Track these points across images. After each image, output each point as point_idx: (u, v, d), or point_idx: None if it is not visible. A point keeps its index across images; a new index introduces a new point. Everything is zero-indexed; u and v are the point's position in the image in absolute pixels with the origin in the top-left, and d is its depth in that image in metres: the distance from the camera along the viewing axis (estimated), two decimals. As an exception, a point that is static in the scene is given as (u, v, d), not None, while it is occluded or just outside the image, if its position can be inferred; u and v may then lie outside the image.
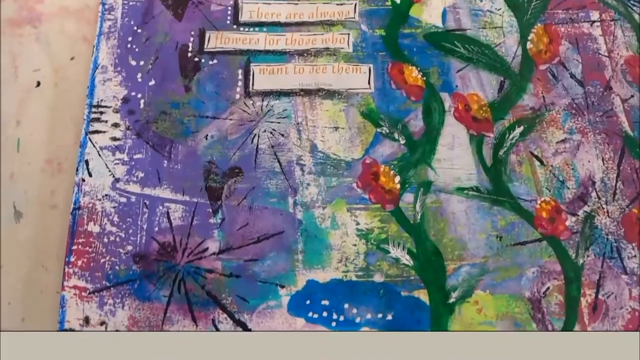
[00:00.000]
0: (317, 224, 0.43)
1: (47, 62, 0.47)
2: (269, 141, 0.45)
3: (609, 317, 0.41)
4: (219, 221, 0.43)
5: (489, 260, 0.42)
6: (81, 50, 0.47)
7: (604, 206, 0.43)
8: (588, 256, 0.42)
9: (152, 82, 0.46)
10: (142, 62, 0.46)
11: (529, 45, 0.47)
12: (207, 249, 0.42)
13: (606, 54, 0.47)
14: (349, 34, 0.47)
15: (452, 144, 0.45)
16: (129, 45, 0.46)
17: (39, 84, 0.47)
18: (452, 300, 0.41)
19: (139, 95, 0.45)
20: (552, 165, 0.44)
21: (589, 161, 0.44)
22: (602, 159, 0.44)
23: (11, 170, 0.45)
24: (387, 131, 0.45)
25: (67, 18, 0.48)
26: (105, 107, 0.45)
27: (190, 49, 0.46)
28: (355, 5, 0.48)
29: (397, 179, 0.44)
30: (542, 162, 0.44)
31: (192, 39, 0.47)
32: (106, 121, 0.45)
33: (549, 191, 0.44)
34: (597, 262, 0.42)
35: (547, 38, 0.47)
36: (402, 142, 0.45)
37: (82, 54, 0.47)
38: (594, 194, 0.43)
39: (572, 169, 0.44)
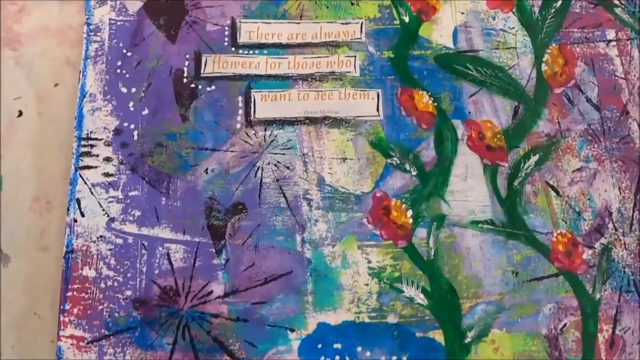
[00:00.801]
0: (327, 263, 0.43)
1: (29, 89, 0.45)
2: (273, 174, 0.44)
3: (626, 352, 0.42)
4: (223, 262, 0.42)
5: (505, 297, 0.42)
6: (65, 75, 0.46)
7: (621, 238, 0.44)
8: (605, 290, 0.43)
9: (145, 112, 0.44)
10: (133, 89, 0.45)
11: (543, 67, 0.47)
12: (211, 292, 0.42)
13: (623, 76, 0.47)
14: (355, 57, 0.46)
15: (465, 174, 0.45)
16: (118, 71, 0.45)
17: (21, 113, 0.45)
18: (468, 340, 0.42)
19: (132, 126, 0.44)
20: (568, 196, 0.45)
21: (605, 190, 0.45)
22: (619, 188, 0.45)
23: (-5, 209, 0.43)
24: (398, 162, 0.45)
25: (49, 39, 0.46)
26: (96, 139, 0.44)
27: (185, 74, 0.45)
28: (362, 24, 0.47)
29: (409, 213, 0.44)
30: (558, 193, 0.45)
31: (187, 63, 0.45)
32: (97, 155, 0.43)
33: (565, 223, 0.44)
34: (614, 296, 0.43)
35: (562, 59, 0.47)
36: (414, 173, 0.45)
37: (67, 80, 0.46)
38: (610, 225, 0.44)
39: (589, 199, 0.45)
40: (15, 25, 0.47)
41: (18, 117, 0.45)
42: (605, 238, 0.44)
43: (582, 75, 0.48)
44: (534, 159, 0.46)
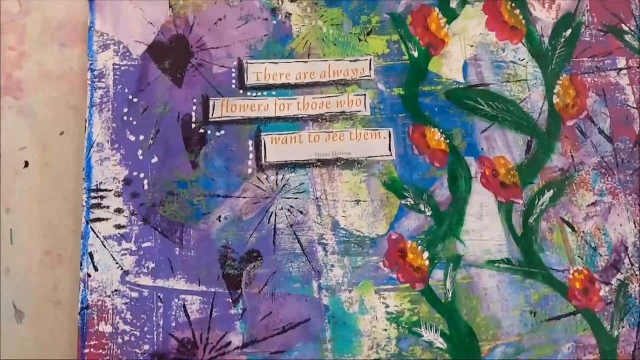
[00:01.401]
0: (345, 309, 0.43)
1: (34, 138, 0.45)
2: (287, 220, 0.44)
3: (644, 388, 0.43)
4: (241, 312, 0.42)
5: (524, 338, 0.43)
6: (71, 122, 0.45)
7: (637, 273, 0.44)
8: (623, 327, 0.43)
9: (155, 160, 0.44)
10: (142, 137, 0.44)
11: (555, 99, 0.47)
12: (230, 343, 0.42)
13: (635, 105, 0.47)
14: (365, 95, 0.46)
15: (480, 213, 0.45)
16: (125, 118, 0.44)
17: (27, 164, 0.45)
18: (488, 382, 0.42)
19: (142, 175, 0.44)
20: (583, 232, 0.45)
21: (620, 225, 0.45)
22: (634, 222, 0.45)
23: (7, 265, 0.43)
24: (413, 203, 0.45)
25: (51, 85, 0.46)
26: (106, 190, 0.43)
27: (194, 119, 0.45)
28: (371, 61, 0.47)
29: (426, 255, 0.44)
30: (573, 229, 0.45)
31: (195, 108, 0.45)
32: (108, 207, 0.43)
33: (582, 260, 0.44)
34: (632, 333, 0.43)
35: (573, 91, 0.47)
36: (429, 214, 0.44)
37: (73, 127, 0.45)
38: (627, 260, 0.44)
39: (604, 234, 0.45)
40: (15, 72, 0.46)
41: (24, 168, 0.45)
42: (621, 274, 0.45)
43: (594, 106, 0.48)
44: (548, 195, 0.46)
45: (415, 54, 0.47)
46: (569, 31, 0.48)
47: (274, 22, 0.47)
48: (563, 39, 0.48)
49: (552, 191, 0.46)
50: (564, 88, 0.48)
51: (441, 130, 0.46)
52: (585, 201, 0.46)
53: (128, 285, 0.42)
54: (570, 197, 0.46)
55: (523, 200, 0.45)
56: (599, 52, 0.49)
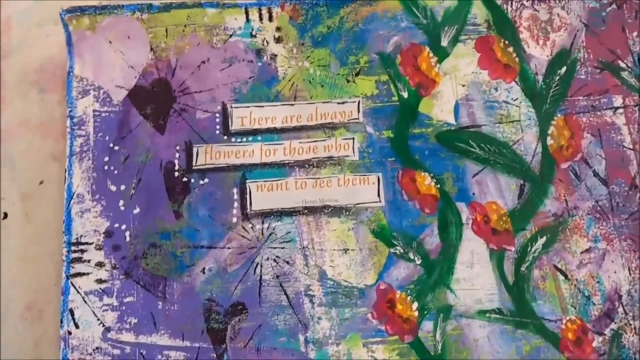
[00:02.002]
0: (332, 363, 0.42)
1: (13, 188, 0.44)
2: (273, 270, 0.43)
3: None
4: (226, 367, 0.42)
5: (515, 391, 0.42)
6: (51, 172, 0.44)
7: (631, 322, 0.43)
8: (616, 378, 0.43)
9: (136, 210, 0.43)
10: (123, 187, 0.43)
11: (549, 140, 0.46)
12: (214, 399, 0.41)
13: (630, 146, 0.46)
14: (353, 139, 0.45)
15: (471, 261, 0.44)
16: (106, 167, 0.43)
17: (5, 215, 0.44)
18: None
19: (124, 227, 0.43)
20: (576, 279, 0.44)
21: (615, 272, 0.44)
22: (629, 269, 0.44)
23: (-15, 320, 0.42)
24: (402, 251, 0.44)
25: (31, 134, 0.45)
26: (86, 243, 0.42)
27: (176, 167, 0.44)
28: (359, 103, 0.45)
29: (415, 305, 0.43)
30: (566, 277, 0.44)
31: (178, 155, 0.44)
32: (89, 260, 0.42)
33: (575, 309, 0.43)
34: (625, 384, 0.43)
35: (568, 131, 0.46)
36: (418, 262, 0.44)
37: (53, 176, 0.44)
38: (620, 309, 0.44)
39: (598, 281, 0.44)
40: (-7, 119, 0.46)
41: (3, 219, 0.44)
42: (615, 323, 0.44)
43: (589, 147, 0.46)
44: (541, 241, 0.45)
45: (405, 95, 0.46)
46: (564, 68, 0.47)
47: (259, 64, 0.45)
48: (557, 77, 0.47)
49: (545, 237, 0.45)
50: (558, 129, 0.47)
51: (431, 175, 0.45)
52: (579, 247, 0.45)
53: (110, 342, 0.41)
54: (564, 244, 0.45)
55: (515, 247, 0.44)
56: (594, 90, 0.47)
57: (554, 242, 0.44)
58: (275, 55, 0.46)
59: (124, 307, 0.42)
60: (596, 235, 0.45)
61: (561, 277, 0.44)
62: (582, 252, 0.45)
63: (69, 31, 0.45)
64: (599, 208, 0.46)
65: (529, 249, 0.44)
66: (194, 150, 0.44)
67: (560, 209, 0.45)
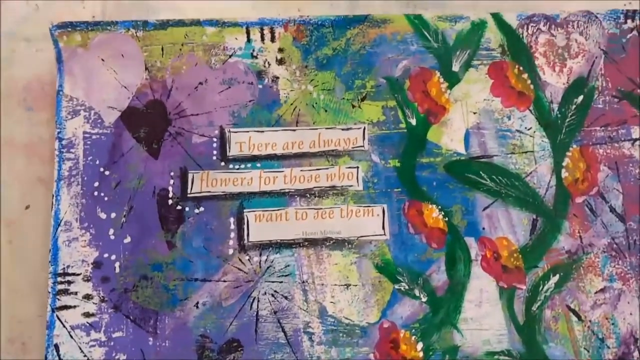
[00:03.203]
0: (331, 406, 0.40)
1: (-3, 213, 0.42)
2: (270, 306, 0.41)
3: None
4: (218, 408, 0.40)
5: None
6: (37, 195, 0.42)
7: (647, 367, 0.42)
8: None
9: (127, 240, 0.41)
10: (113, 215, 0.41)
11: (563, 173, 0.44)
12: None
13: (649, 180, 0.45)
14: (357, 168, 0.43)
15: (479, 299, 0.42)
16: (95, 193, 0.41)
17: (-11, 242, 0.42)
18: None
19: (113, 257, 0.41)
20: (590, 321, 0.42)
21: (630, 314, 0.42)
22: (645, 311, 0.43)
23: (-35, 353, 0.40)
24: (407, 287, 0.42)
25: (17, 155, 0.42)
26: (74, 274, 0.40)
27: (170, 194, 0.42)
28: (364, 130, 0.44)
29: (420, 346, 0.41)
30: (579, 318, 0.42)
31: (172, 182, 0.42)
32: (76, 293, 0.40)
33: (588, 352, 0.42)
34: None
35: (584, 163, 0.44)
36: (424, 299, 0.42)
37: (40, 201, 0.42)
38: (635, 353, 0.42)
39: (612, 323, 0.42)
40: (-22, 139, 0.44)
41: (-14, 246, 0.42)
42: (630, 368, 0.43)
43: (606, 181, 0.45)
44: (553, 280, 0.43)
45: (413, 122, 0.44)
46: (581, 97, 0.45)
47: (260, 87, 0.43)
48: (574, 106, 0.45)
49: (557, 276, 0.43)
50: (574, 160, 0.45)
51: (439, 207, 0.43)
52: (593, 287, 0.43)
53: (97, 380, 0.40)
54: (577, 283, 0.43)
55: (526, 285, 0.42)
56: (612, 120, 0.45)
57: (567, 281, 0.42)
58: (277, 78, 0.44)
59: (112, 343, 0.40)
60: (612, 274, 0.43)
61: (574, 318, 0.42)
62: (596, 292, 0.43)
63: (60, 47, 0.43)
64: (615, 245, 0.44)
65: (540, 287, 0.43)
66: (189, 176, 0.42)
67: (575, 246, 0.44)
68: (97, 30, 0.43)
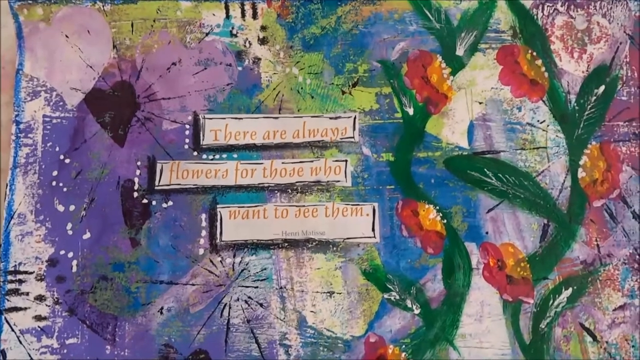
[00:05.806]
0: None
1: (-53, 202, 0.39)
2: (243, 314, 0.38)
3: None
4: None
5: None
6: (-9, 184, 0.39)
7: (672, 397, 0.38)
8: None
9: (86, 236, 0.38)
10: (72, 207, 0.38)
11: (580, 173, 0.40)
12: None
13: (679, 183, 0.40)
14: (346, 161, 0.39)
15: (480, 313, 0.38)
16: (54, 183, 0.38)
17: (-64, 234, 0.39)
18: None
19: (70, 255, 0.37)
20: (607, 342, 0.38)
21: (654, 335, 0.38)
22: (671, 332, 0.38)
23: None
24: (397, 297, 0.38)
25: (-29, 139, 0.40)
26: (26, 273, 0.37)
27: (136, 186, 0.38)
28: (355, 119, 0.40)
29: (410, 364, 0.38)
30: (595, 338, 0.38)
31: (138, 172, 0.39)
32: (27, 293, 0.37)
33: (603, 377, 0.38)
34: None
35: (603, 162, 0.40)
36: (417, 312, 0.38)
37: (-6, 190, 0.39)
38: (659, 381, 0.38)
39: (632, 346, 0.38)
40: None
41: None
42: (652, 397, 0.38)
43: (628, 183, 0.40)
44: (566, 294, 0.39)
45: (410, 111, 0.40)
46: (602, 87, 0.41)
47: (239, 69, 0.40)
48: (594, 97, 0.41)
49: (570, 289, 0.39)
50: (592, 159, 0.41)
51: (437, 207, 0.39)
52: (612, 303, 0.39)
53: (46, 390, 0.37)
54: (593, 298, 0.39)
55: (534, 299, 0.39)
56: (637, 114, 0.41)
57: (581, 296, 0.38)
58: (259, 59, 0.40)
59: (65, 350, 0.37)
60: (632, 289, 0.39)
61: (588, 339, 0.38)
62: (614, 310, 0.39)
63: (20, 22, 0.39)
64: (637, 257, 0.39)
65: (550, 302, 0.39)
66: (158, 166, 0.38)
67: (591, 256, 0.39)
68: (60, 4, 0.40)
